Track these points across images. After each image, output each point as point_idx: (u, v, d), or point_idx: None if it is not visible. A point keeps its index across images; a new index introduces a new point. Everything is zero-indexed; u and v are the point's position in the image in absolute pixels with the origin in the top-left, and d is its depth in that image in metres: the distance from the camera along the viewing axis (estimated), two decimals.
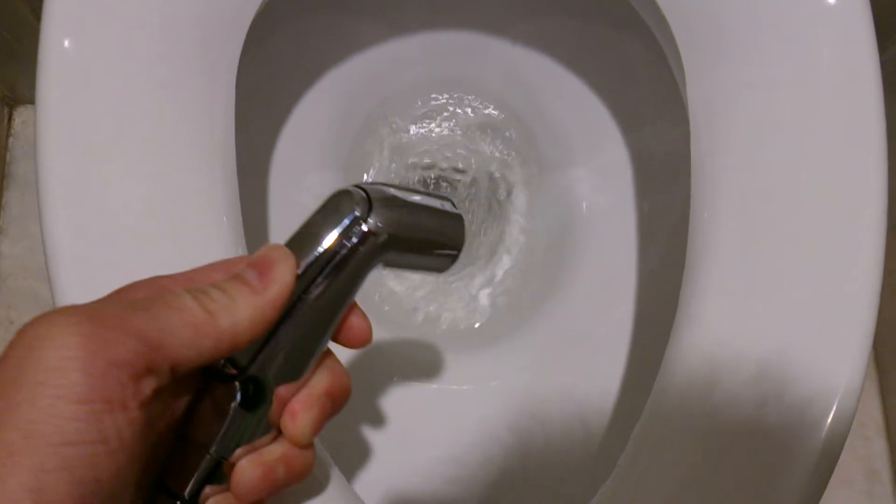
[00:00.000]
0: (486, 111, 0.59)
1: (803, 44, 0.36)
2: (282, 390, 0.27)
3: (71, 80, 0.35)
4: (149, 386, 0.23)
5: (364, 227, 0.27)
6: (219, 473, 0.27)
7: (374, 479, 0.45)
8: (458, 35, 0.55)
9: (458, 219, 0.31)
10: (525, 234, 0.57)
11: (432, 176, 0.60)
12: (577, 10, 0.51)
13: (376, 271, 0.28)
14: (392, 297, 0.56)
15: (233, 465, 0.27)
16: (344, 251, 0.27)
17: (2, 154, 0.81)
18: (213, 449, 0.27)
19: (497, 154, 0.60)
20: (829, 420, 0.32)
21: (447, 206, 0.31)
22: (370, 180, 0.57)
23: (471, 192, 0.61)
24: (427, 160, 0.59)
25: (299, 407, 0.27)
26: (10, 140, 0.82)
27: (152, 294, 0.25)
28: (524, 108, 0.58)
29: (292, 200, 0.52)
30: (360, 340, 0.29)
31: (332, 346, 0.29)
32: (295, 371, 0.28)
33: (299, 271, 0.26)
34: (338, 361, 0.29)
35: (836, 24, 0.36)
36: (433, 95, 0.58)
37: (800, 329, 0.33)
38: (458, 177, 0.61)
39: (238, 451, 0.27)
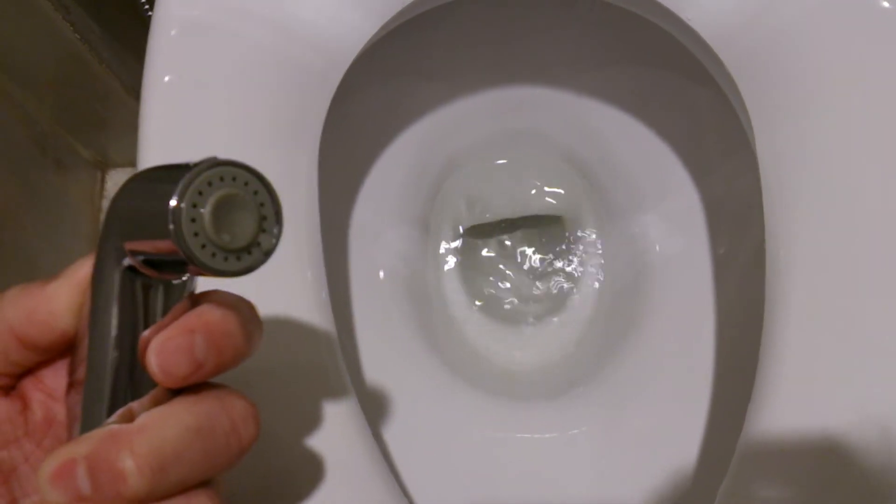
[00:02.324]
0: (555, 162, 0.60)
1: (869, 96, 0.37)
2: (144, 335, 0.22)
3: (170, 148, 0.38)
4: None
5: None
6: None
7: None
8: (523, 89, 0.57)
9: (191, 170, 0.20)
10: (598, 280, 0.58)
11: (505, 225, 0.62)
12: (643, 60, 0.52)
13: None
14: (466, 345, 0.57)
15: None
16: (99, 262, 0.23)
17: (96, 214, 0.86)
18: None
19: (568, 201, 0.61)
20: None
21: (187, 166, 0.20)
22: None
23: (544, 239, 0.62)
24: (501, 211, 0.61)
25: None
26: (104, 202, 0.87)
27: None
28: (592, 157, 0.59)
29: (370, 256, 0.54)
30: (165, 371, 0.21)
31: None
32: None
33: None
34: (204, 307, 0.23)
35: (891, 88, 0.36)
36: (502, 150, 0.60)
37: (881, 395, 0.33)
38: (530, 225, 0.62)
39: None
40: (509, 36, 0.53)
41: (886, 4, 0.38)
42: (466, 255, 0.61)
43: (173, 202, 0.19)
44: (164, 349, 0.21)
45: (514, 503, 0.48)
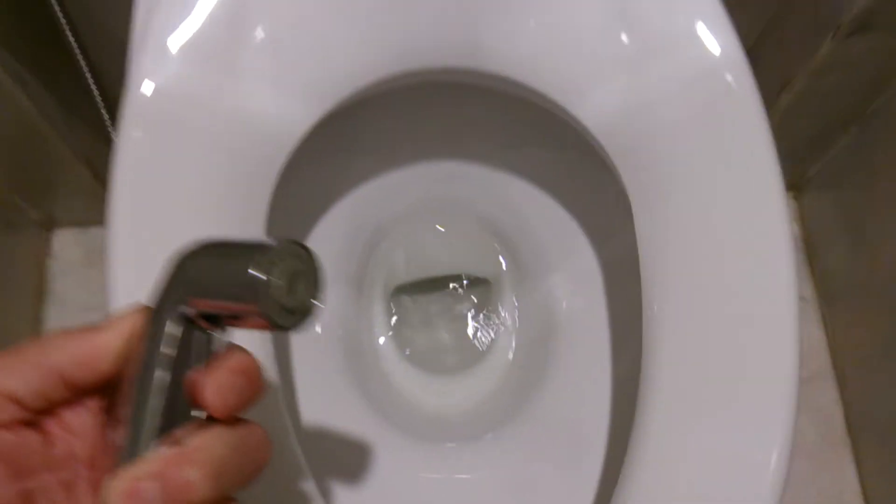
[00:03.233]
0: (477, 228, 0.68)
1: (719, 179, 0.45)
2: (191, 375, 0.26)
3: (139, 208, 0.44)
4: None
5: (166, 269, 0.27)
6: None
7: None
8: (447, 164, 0.65)
9: (258, 250, 0.25)
10: (513, 333, 0.65)
11: (430, 284, 0.69)
12: (549, 142, 0.60)
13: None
14: (396, 394, 0.63)
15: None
16: (159, 295, 0.27)
17: (41, 274, 0.89)
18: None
19: (488, 263, 0.68)
20: None
21: (254, 246, 0.26)
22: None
23: (467, 297, 0.69)
24: (428, 271, 0.68)
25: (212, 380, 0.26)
26: (49, 260, 0.90)
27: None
28: (509, 225, 0.66)
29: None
30: (215, 407, 0.26)
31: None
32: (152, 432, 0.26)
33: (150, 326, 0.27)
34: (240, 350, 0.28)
35: (742, 168, 0.45)
36: (428, 216, 0.67)
37: (733, 441, 0.40)
38: (453, 283, 0.69)
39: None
40: (434, 119, 0.61)
41: (732, 82, 0.47)
42: (397, 312, 0.67)
43: (263, 276, 0.24)
44: (221, 388, 0.26)
45: None
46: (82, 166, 0.80)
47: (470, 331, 0.67)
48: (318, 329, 0.62)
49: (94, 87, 0.69)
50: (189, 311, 0.26)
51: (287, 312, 0.25)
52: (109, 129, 0.72)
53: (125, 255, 0.43)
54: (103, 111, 0.71)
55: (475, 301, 0.68)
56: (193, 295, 0.26)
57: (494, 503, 0.56)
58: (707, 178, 0.46)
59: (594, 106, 0.49)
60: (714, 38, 0.48)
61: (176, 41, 0.46)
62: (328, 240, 0.62)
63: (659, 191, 0.46)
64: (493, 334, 0.66)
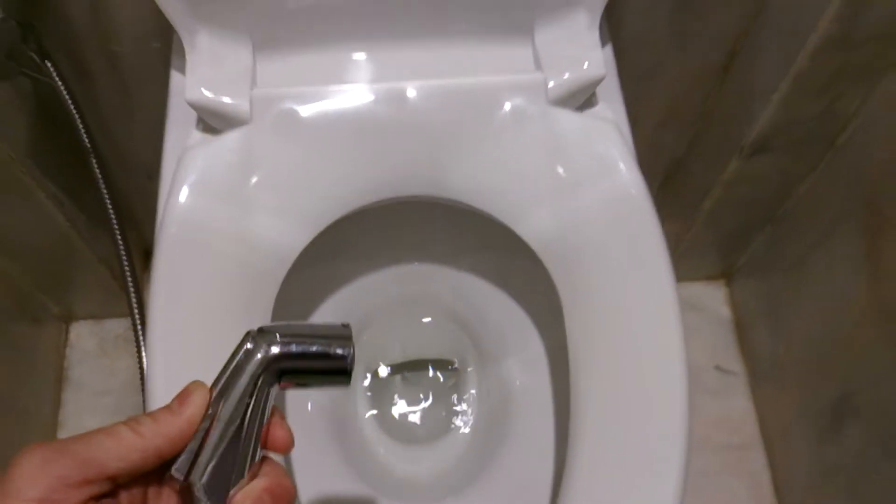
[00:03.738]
0: (445, 319, 0.79)
1: (627, 282, 0.58)
2: (231, 492, 0.34)
3: (173, 307, 0.55)
4: (87, 491, 0.31)
5: (256, 355, 0.35)
6: None
7: None
8: (418, 266, 0.77)
9: (345, 337, 0.37)
10: (474, 408, 0.76)
11: (405, 366, 0.80)
12: (502, 248, 0.72)
13: (291, 390, 0.39)
14: (374, 460, 0.74)
15: None
16: (244, 375, 0.34)
17: (60, 362, 1.00)
18: None
19: (454, 349, 0.80)
20: None
21: (337, 330, 0.37)
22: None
23: (437, 378, 0.80)
24: (403, 355, 0.79)
25: (241, 500, 0.34)
26: (67, 350, 1.01)
27: (102, 429, 0.33)
28: (471, 316, 0.78)
29: (302, 392, 0.71)
30: (284, 447, 0.36)
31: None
32: (229, 472, 0.34)
33: (214, 395, 0.34)
34: (278, 466, 0.36)
35: (643, 272, 0.58)
36: (403, 310, 0.79)
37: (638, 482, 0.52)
38: (425, 366, 0.81)
39: None
40: (405, 230, 0.73)
41: (636, 205, 0.59)
42: (376, 391, 0.79)
43: (350, 351, 0.36)
44: (288, 435, 0.36)
45: None
46: (102, 267, 0.92)
47: (438, 406, 0.78)
48: (309, 406, 0.73)
49: (109, 205, 0.81)
50: (281, 377, 0.35)
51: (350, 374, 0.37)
52: (119, 238, 0.83)
53: (162, 345, 0.54)
54: (114, 223, 0.82)
55: (443, 381, 0.79)
56: (287, 362, 0.35)
57: None
58: (618, 279, 0.58)
59: (533, 225, 0.61)
60: (625, 172, 0.61)
61: (201, 181, 0.58)
62: None
63: (582, 290, 0.59)
64: (457, 410, 0.78)
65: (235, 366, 0.35)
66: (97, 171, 0.76)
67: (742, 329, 1.03)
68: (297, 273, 0.61)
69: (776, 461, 0.94)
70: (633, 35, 0.73)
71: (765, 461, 0.95)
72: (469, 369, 0.79)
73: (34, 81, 0.71)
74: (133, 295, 0.79)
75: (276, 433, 0.36)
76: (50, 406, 0.97)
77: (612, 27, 0.70)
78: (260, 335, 0.35)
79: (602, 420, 0.54)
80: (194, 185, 0.59)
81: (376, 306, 0.79)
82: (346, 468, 0.70)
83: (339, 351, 0.36)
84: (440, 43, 0.65)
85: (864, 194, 0.75)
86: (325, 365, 0.36)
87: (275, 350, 0.35)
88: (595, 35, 0.63)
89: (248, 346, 0.35)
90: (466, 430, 0.76)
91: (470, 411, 0.77)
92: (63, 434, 0.96)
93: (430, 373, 0.80)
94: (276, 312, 0.58)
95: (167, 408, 0.34)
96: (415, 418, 0.78)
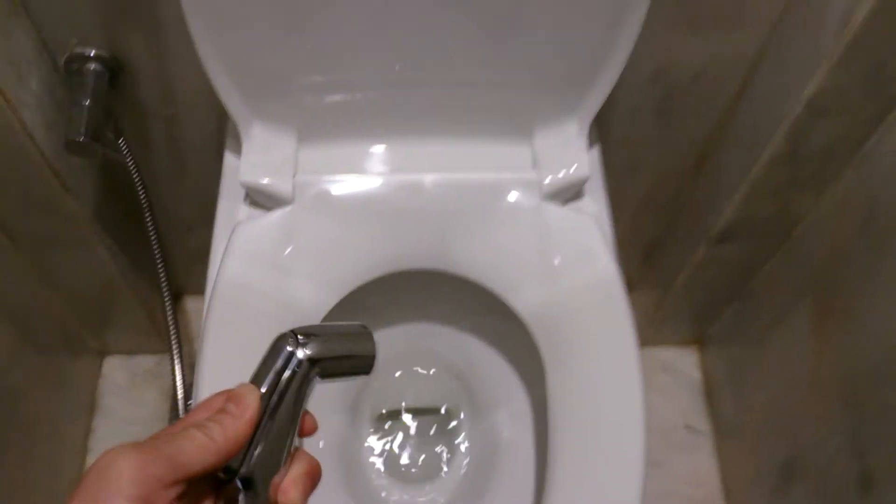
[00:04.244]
0: (443, 373, 0.91)
1: (599, 352, 0.69)
2: (275, 479, 0.37)
3: (220, 353, 0.66)
4: (174, 491, 0.33)
5: (297, 356, 0.39)
6: None
7: None
8: (422, 326, 0.88)
9: (368, 335, 0.43)
10: (467, 453, 0.87)
11: (407, 413, 0.91)
12: (496, 313, 0.83)
13: (320, 384, 0.40)
14: (375, 495, 0.84)
15: None
16: (286, 374, 0.38)
17: (93, 391, 1.11)
18: None
19: (450, 399, 0.91)
20: None
21: (359, 330, 0.43)
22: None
23: (430, 424, 0.91)
24: (405, 403, 0.90)
25: (288, 487, 0.38)
26: (100, 381, 1.12)
27: (176, 430, 0.35)
28: (467, 372, 0.89)
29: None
30: (311, 431, 0.41)
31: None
32: (277, 463, 0.38)
33: (262, 395, 0.37)
34: (307, 453, 0.40)
35: (613, 343, 0.69)
36: (406, 363, 0.90)
37: None
38: (423, 413, 0.92)
39: None
40: (413, 294, 0.84)
41: (611, 288, 0.70)
42: (380, 432, 0.89)
43: (374, 350, 0.42)
44: (314, 421, 0.41)
45: None
46: (140, 309, 1.03)
47: (434, 449, 0.89)
48: (321, 444, 0.84)
49: (158, 256, 0.92)
50: (318, 371, 0.40)
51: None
52: (164, 284, 0.95)
53: (209, 380, 0.65)
54: (160, 271, 0.94)
55: (439, 427, 0.90)
56: (325, 358, 0.40)
57: None
58: (592, 349, 0.70)
59: (524, 299, 0.73)
60: (603, 261, 0.72)
61: (249, 251, 0.70)
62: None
63: (562, 356, 0.70)
64: (451, 453, 0.88)
65: (279, 367, 0.38)
66: (150, 226, 0.88)
67: (710, 392, 1.14)
68: None
69: None
70: (618, 137, 0.86)
71: None
72: (463, 418, 0.89)
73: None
74: (173, 333, 0.91)
75: (306, 421, 0.40)
76: (82, 431, 1.07)
77: (601, 129, 0.83)
78: (299, 338, 0.39)
79: (573, 466, 0.65)
80: (243, 253, 0.70)
81: (386, 358, 0.89)
82: (348, 498, 0.81)
83: (367, 350, 0.42)
84: (454, 141, 0.77)
85: (812, 282, 0.87)
86: (356, 364, 0.42)
87: (315, 352, 0.39)
88: (583, 141, 0.75)
89: (289, 348, 0.39)
90: (458, 472, 0.87)
91: (462, 455, 0.87)
92: (91, 459, 1.06)
93: (429, 419, 0.91)
94: None
95: (228, 413, 0.37)
96: (413, 458, 0.89)
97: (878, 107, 0.71)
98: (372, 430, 0.90)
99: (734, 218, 0.88)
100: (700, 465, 1.08)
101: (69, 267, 0.91)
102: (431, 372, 0.92)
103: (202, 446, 0.35)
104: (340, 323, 0.43)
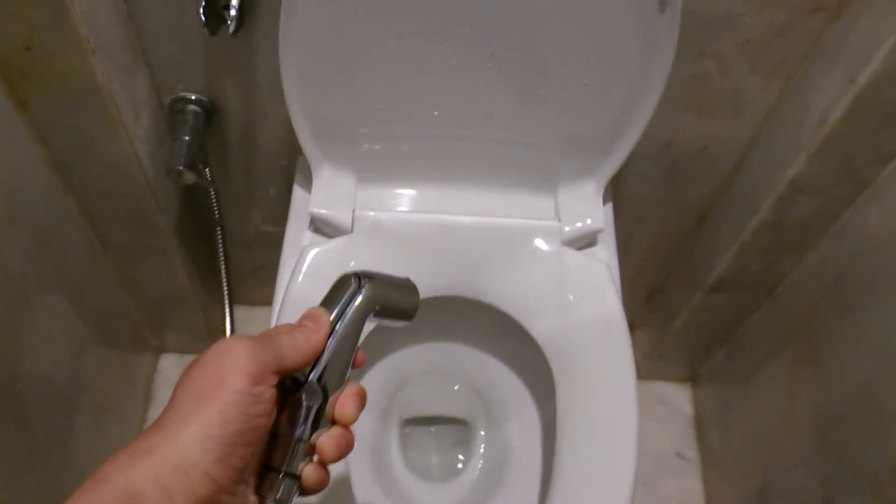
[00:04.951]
0: (464, 387, 1.04)
1: (602, 377, 0.82)
2: (332, 397, 0.43)
3: None
4: (274, 380, 0.39)
5: (359, 293, 0.44)
6: (303, 453, 0.42)
7: None
8: (450, 344, 1.02)
9: (414, 288, 0.49)
10: (481, 458, 1.00)
11: (429, 420, 1.04)
12: (515, 337, 0.96)
13: (370, 321, 0.46)
14: (401, 490, 0.97)
15: (311, 445, 0.42)
16: (350, 307, 0.44)
17: (150, 384, 1.24)
18: (300, 435, 0.41)
19: (468, 410, 1.03)
20: None
21: (407, 282, 0.49)
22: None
23: (450, 431, 1.04)
24: (428, 411, 1.03)
25: (345, 400, 0.43)
26: (156, 375, 1.25)
27: (272, 334, 0.41)
28: (484, 387, 1.02)
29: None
30: (362, 363, 0.46)
31: None
32: (339, 380, 0.43)
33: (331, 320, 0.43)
34: (356, 381, 0.45)
35: (614, 371, 0.82)
36: (432, 376, 1.04)
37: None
38: (444, 421, 1.04)
39: (313, 435, 0.42)
40: (442, 317, 0.98)
41: (614, 324, 0.83)
42: (405, 436, 1.02)
43: (418, 301, 0.50)
44: (364, 356, 0.47)
45: None
46: (200, 314, 1.17)
47: (452, 454, 1.02)
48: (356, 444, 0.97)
49: (224, 268, 1.06)
50: (375, 311, 0.46)
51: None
52: (225, 296, 1.09)
53: None
54: (224, 281, 1.08)
55: (458, 435, 1.03)
56: (379, 302, 0.46)
57: None
58: (597, 374, 0.83)
59: (541, 328, 0.86)
60: (611, 301, 0.85)
61: (314, 272, 0.83)
62: (370, 385, 0.98)
63: (571, 377, 0.83)
64: (467, 458, 1.01)
65: (344, 300, 0.44)
66: (220, 242, 1.02)
67: (700, 424, 1.27)
68: (366, 341, 0.85)
69: None
70: (630, 195, 1.00)
71: None
72: (479, 428, 1.02)
73: None
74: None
75: (357, 354, 0.46)
76: (137, 420, 1.20)
77: (616, 188, 0.97)
78: (363, 279, 0.45)
79: (574, 474, 0.78)
80: (310, 273, 0.84)
81: (415, 371, 1.04)
82: (379, 492, 0.93)
83: (412, 300, 0.49)
84: (489, 189, 0.91)
85: (791, 333, 1.00)
86: (403, 310, 0.49)
87: (373, 292, 0.45)
88: (599, 198, 0.89)
89: (353, 285, 0.45)
90: (472, 475, 0.99)
91: (477, 459, 1.00)
92: None
93: (450, 427, 1.04)
94: None
95: (306, 328, 0.43)
96: (434, 461, 1.01)
97: (849, 189, 0.84)
98: (399, 432, 1.03)
99: (726, 272, 1.01)
100: (687, 489, 1.21)
101: (147, 273, 1.05)
102: (455, 387, 1.05)
103: (295, 346, 0.41)
104: (391, 274, 0.49)
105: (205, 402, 0.37)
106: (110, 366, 1.10)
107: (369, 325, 0.87)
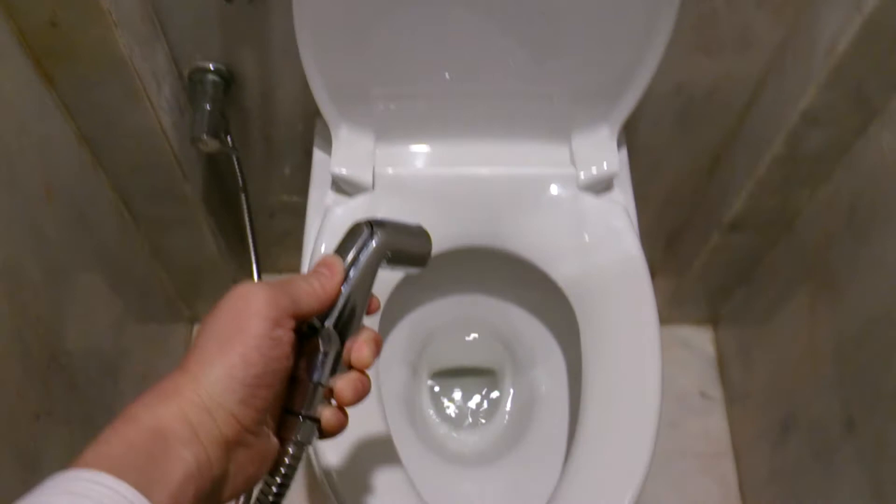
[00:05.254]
0: (490, 337, 1.07)
1: (624, 317, 0.84)
2: (347, 343, 0.44)
3: None
4: (292, 323, 0.41)
5: (372, 240, 0.45)
6: (321, 396, 0.43)
7: None
8: (474, 296, 1.04)
9: (426, 234, 0.49)
10: (509, 404, 1.03)
11: (458, 370, 1.07)
12: (537, 286, 0.99)
13: (383, 269, 0.46)
14: (433, 436, 1.01)
15: (329, 389, 0.43)
16: (363, 254, 0.44)
17: (183, 353, 1.28)
18: (317, 379, 0.43)
19: (495, 359, 1.06)
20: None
21: (419, 229, 0.49)
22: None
23: (479, 380, 1.07)
24: (456, 362, 1.07)
25: (361, 345, 0.44)
26: (190, 344, 1.29)
27: (288, 280, 0.42)
28: (510, 336, 1.05)
29: (385, 384, 0.98)
30: (376, 310, 0.47)
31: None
32: (354, 326, 0.44)
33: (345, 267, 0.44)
34: (371, 328, 0.46)
35: (636, 310, 0.84)
36: (459, 327, 1.06)
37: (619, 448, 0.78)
38: (474, 372, 1.08)
39: (331, 380, 0.43)
40: (467, 269, 1.01)
41: (635, 265, 0.86)
42: (435, 386, 1.06)
43: (430, 247, 0.49)
44: (378, 302, 0.47)
45: None
46: (229, 282, 1.20)
47: (481, 402, 1.05)
48: (388, 393, 1.00)
49: (251, 236, 1.09)
50: (387, 258, 0.46)
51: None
52: (253, 263, 1.11)
53: None
54: (252, 249, 1.11)
55: (486, 383, 1.06)
56: (392, 249, 0.46)
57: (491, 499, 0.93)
58: (620, 314, 0.85)
59: (562, 272, 0.89)
60: (629, 241, 0.87)
61: (338, 228, 0.85)
62: (400, 339, 1.01)
63: (594, 320, 0.85)
64: (496, 405, 1.04)
65: (357, 247, 0.45)
66: (246, 212, 1.05)
67: (723, 364, 1.29)
68: (391, 296, 0.88)
69: (741, 466, 1.20)
70: (644, 141, 1.01)
71: (733, 466, 1.20)
72: (506, 376, 1.05)
73: None
74: None
75: (371, 301, 0.47)
76: None
77: (629, 134, 0.98)
78: (375, 226, 0.46)
79: (599, 417, 0.80)
80: (333, 231, 0.87)
81: (441, 324, 1.06)
82: (414, 438, 0.97)
83: (424, 246, 0.49)
84: (504, 141, 0.93)
85: (808, 267, 1.01)
86: (416, 256, 0.48)
87: (386, 239, 0.46)
88: (614, 143, 0.91)
89: (366, 232, 0.45)
90: (501, 421, 1.03)
91: (504, 407, 1.04)
92: None
93: (478, 377, 1.07)
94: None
95: (321, 274, 0.44)
96: (464, 410, 1.05)
97: (860, 118, 0.85)
98: (430, 382, 1.06)
99: (743, 210, 1.03)
100: (712, 426, 1.24)
101: (177, 244, 1.08)
102: (479, 336, 1.08)
103: (311, 292, 0.42)
104: (404, 221, 0.49)
105: (227, 346, 0.39)
106: (148, 336, 1.14)
107: (393, 280, 0.90)
